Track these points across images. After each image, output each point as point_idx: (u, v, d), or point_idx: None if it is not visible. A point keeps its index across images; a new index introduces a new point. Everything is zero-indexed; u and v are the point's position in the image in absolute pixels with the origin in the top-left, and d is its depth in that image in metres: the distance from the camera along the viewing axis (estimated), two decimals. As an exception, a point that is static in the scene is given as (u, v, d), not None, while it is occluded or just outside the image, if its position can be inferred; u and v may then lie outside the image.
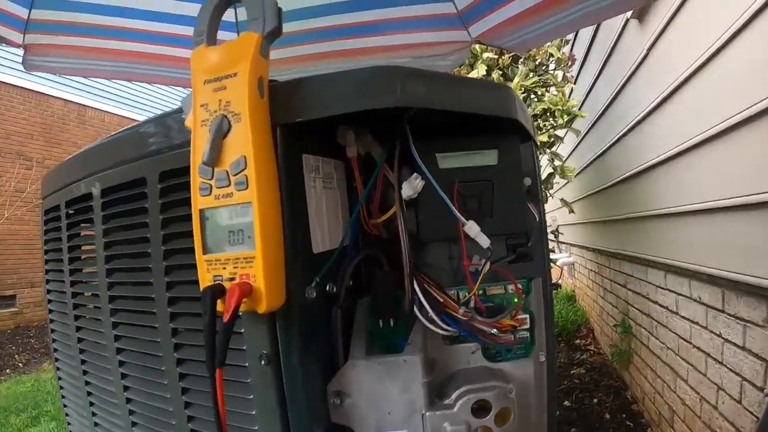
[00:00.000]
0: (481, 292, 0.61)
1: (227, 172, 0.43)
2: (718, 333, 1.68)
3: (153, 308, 0.61)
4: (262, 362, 0.48)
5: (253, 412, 0.51)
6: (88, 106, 8.64)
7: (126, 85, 9.17)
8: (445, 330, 0.54)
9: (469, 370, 0.59)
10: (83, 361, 0.80)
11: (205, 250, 0.45)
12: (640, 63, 2.25)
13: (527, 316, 0.61)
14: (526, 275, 0.63)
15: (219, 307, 0.42)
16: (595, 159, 3.39)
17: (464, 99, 0.51)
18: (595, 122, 3.27)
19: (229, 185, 0.43)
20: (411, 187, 0.49)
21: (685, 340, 2.00)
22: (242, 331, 0.49)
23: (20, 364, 5.21)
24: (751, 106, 1.42)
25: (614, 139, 2.82)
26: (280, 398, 0.48)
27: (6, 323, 6.76)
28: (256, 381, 0.50)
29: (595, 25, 3.07)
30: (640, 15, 2.17)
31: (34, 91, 7.76)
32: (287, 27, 1.62)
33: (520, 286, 0.61)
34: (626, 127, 2.54)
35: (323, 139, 0.55)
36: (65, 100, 8.35)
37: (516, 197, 0.60)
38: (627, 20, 2.33)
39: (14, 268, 7.04)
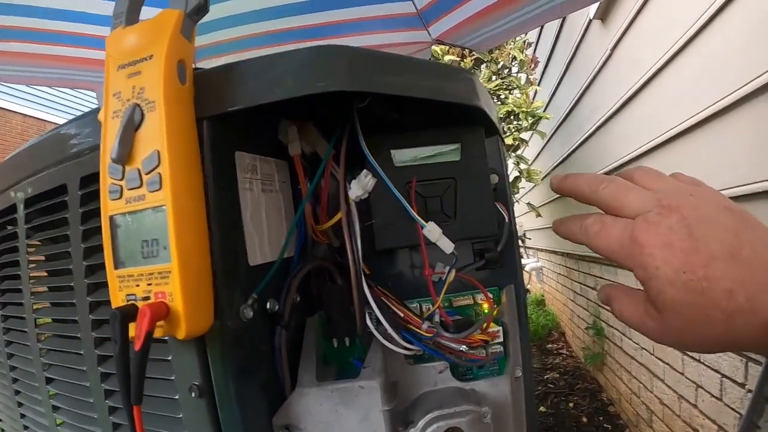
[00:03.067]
0: (446, 304, 0.55)
1: (139, 170, 0.36)
2: (692, 332, 1.68)
3: (78, 332, 0.54)
4: (193, 394, 0.40)
5: (188, 453, 0.43)
6: (48, 122, 8.36)
7: (87, 101, 8.92)
8: (407, 349, 0.48)
9: (437, 392, 0.53)
10: (17, 392, 0.71)
11: (117, 264, 0.38)
12: (605, 63, 2.25)
13: (500, 328, 0.56)
14: (497, 283, 0.58)
15: (132, 332, 0.35)
16: (562, 161, 3.41)
17: (421, 83, 0.46)
18: (561, 124, 3.29)
19: (141, 186, 0.36)
20: (360, 185, 0.43)
21: (658, 339, 1.99)
22: (169, 358, 0.42)
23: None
24: (710, 106, 1.43)
25: (580, 141, 2.83)
26: (218, 436, 0.41)
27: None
28: (189, 416, 0.42)
29: (558, 27, 3.09)
30: (603, 15, 2.18)
31: (-8, 106, 7.47)
32: (244, 30, 1.56)
33: (490, 295, 0.55)
34: (592, 127, 2.55)
35: (264, 137, 0.48)
36: (24, 115, 8.05)
37: (482, 196, 0.54)
38: (590, 21, 2.34)
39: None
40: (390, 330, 0.47)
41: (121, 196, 0.37)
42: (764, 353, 0.32)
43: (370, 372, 0.46)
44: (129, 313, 0.34)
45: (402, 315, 0.49)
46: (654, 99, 1.85)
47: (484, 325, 0.52)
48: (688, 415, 1.80)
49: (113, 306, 0.38)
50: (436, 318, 0.50)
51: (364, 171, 0.44)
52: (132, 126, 0.36)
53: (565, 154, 3.20)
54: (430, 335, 0.48)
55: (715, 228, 0.33)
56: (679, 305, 0.32)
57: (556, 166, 3.48)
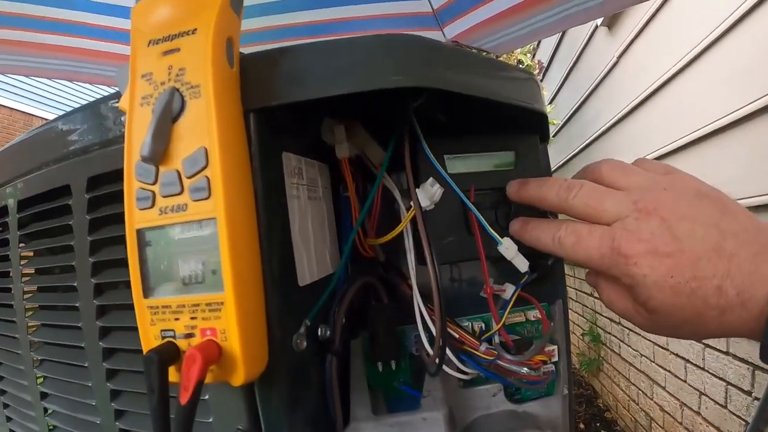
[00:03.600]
0: (500, 323, 0.50)
1: (178, 172, 0.29)
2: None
3: (84, 361, 0.47)
4: (238, 440, 0.34)
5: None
6: (35, 116, 8.13)
7: (76, 94, 8.70)
8: (466, 374, 0.43)
9: (492, 416, 0.48)
10: (9, 419, 0.63)
11: (148, 292, 0.30)
12: (610, 70, 2.23)
13: (555, 347, 0.51)
14: (546, 298, 0.53)
15: (172, 377, 0.28)
16: (560, 166, 3.39)
17: (491, 83, 0.40)
18: (560, 130, 3.27)
19: (182, 192, 0.29)
20: (427, 195, 0.37)
21: (660, 347, 1.98)
22: (206, 397, 0.35)
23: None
24: (725, 116, 1.42)
25: (581, 147, 2.81)
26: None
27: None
28: (231, 465, 0.36)
29: (561, 32, 3.07)
30: (610, 22, 2.16)
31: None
32: (251, 23, 1.49)
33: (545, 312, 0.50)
34: (595, 134, 2.53)
35: (306, 136, 0.42)
36: (11, 108, 7.84)
37: (536, 207, 0.49)
38: (596, 27, 2.32)
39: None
40: (449, 353, 0.41)
41: (153, 205, 0.30)
42: (757, 338, 0.32)
43: (431, 402, 0.41)
44: (168, 355, 0.27)
45: (457, 336, 0.44)
46: (663, 107, 1.83)
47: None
48: (690, 423, 1.78)
49: (144, 344, 0.31)
50: (497, 339, 0.45)
51: (431, 179, 0.38)
52: (169, 115, 0.29)
53: (563, 161, 3.18)
54: (490, 358, 0.43)
55: (697, 223, 0.33)
56: (670, 308, 0.32)
57: (554, 170, 3.47)
